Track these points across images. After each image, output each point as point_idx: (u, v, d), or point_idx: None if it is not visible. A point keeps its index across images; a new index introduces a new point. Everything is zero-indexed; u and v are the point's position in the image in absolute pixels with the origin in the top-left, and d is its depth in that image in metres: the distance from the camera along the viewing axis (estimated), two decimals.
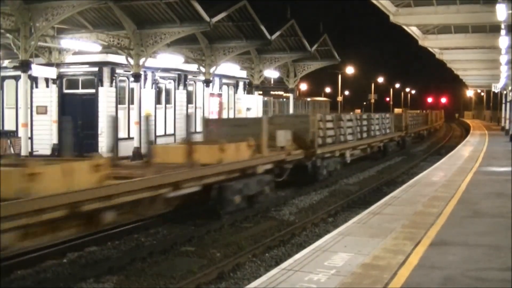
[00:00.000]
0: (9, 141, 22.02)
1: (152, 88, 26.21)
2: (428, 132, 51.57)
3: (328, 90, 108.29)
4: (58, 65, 23.86)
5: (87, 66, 24.03)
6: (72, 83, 24.52)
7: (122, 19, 22.57)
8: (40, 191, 7.89)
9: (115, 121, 17.55)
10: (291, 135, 17.34)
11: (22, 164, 8.33)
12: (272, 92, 50.33)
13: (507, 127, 42.29)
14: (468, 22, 28.75)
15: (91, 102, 23.74)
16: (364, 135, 25.23)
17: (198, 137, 18.33)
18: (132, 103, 24.24)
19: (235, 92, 34.27)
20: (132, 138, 23.63)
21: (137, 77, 23.30)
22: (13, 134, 23.37)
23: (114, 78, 23.91)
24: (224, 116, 31.76)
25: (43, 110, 24.40)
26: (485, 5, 24.07)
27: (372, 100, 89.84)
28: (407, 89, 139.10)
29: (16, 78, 23.66)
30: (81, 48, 23.27)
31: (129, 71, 23.43)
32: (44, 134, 24.22)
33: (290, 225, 12.81)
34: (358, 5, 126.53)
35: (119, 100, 24.31)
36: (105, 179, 9.33)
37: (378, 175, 22.82)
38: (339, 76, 79.15)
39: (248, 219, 13.65)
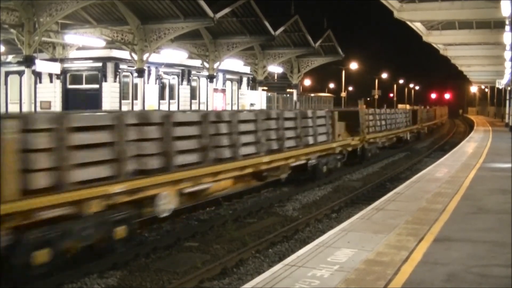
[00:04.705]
0: None
1: (155, 83, 26.21)
2: (417, 135, 39.02)
3: (332, 85, 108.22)
4: (62, 61, 23.89)
5: (91, 61, 24.05)
6: (76, 78, 24.53)
7: (126, 15, 22.54)
8: None
9: None
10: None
11: None
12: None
13: (511, 124, 42.20)
14: (473, 18, 28.72)
15: (95, 97, 23.75)
16: (265, 147, 14.37)
17: None
18: (136, 98, 24.24)
19: (239, 87, 34.23)
20: None
21: (140, 73, 23.29)
22: None
23: (117, 73, 23.91)
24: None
25: (47, 105, 24.43)
26: (490, 1, 24.00)
27: (376, 96, 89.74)
28: (411, 85, 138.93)
29: (20, 73, 23.72)
30: (85, 44, 23.28)
31: (133, 67, 23.43)
32: None
33: (293, 221, 12.81)
34: (362, 0, 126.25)
35: (122, 96, 24.32)
36: None
37: (381, 171, 22.79)
38: (343, 72, 79.20)
39: (252, 214, 13.66)
